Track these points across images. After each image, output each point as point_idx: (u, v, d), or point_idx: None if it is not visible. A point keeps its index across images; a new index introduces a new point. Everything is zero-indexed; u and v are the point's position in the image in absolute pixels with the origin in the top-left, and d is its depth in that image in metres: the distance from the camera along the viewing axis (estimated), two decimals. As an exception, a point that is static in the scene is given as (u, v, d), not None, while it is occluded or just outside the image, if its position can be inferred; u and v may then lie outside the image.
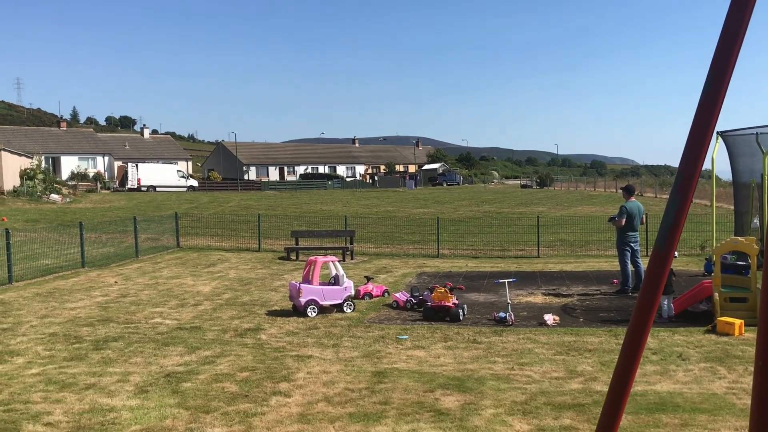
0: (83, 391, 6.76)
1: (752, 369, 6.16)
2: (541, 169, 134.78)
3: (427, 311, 10.34)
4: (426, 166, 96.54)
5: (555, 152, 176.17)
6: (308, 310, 10.59)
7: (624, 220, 12.11)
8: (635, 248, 12.40)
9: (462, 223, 27.91)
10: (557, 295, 12.27)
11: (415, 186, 73.68)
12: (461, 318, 10.17)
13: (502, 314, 10.02)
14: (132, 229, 19.68)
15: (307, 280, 11.00)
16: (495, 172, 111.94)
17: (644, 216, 12.74)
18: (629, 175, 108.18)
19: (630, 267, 12.30)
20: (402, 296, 11.41)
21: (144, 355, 8.22)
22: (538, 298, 12.01)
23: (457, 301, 10.54)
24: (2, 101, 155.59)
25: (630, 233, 12.27)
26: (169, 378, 7.20)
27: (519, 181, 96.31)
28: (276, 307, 11.39)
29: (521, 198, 50.84)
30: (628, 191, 12.56)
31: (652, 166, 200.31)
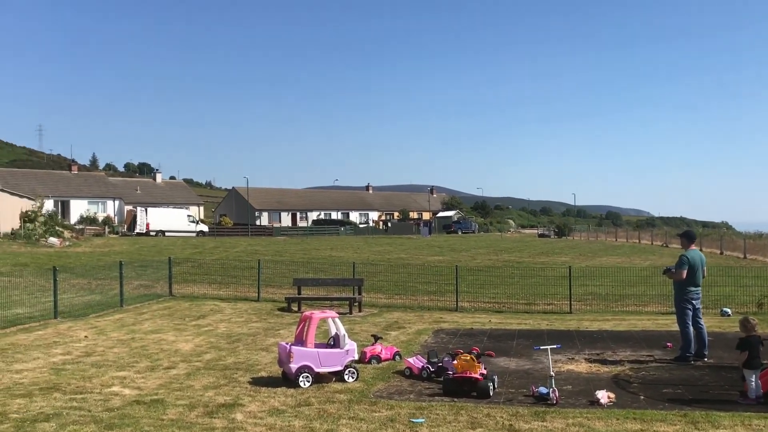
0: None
1: None
2: (556, 218, 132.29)
3: (449, 384, 8.27)
4: (441, 214, 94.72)
5: (572, 203, 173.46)
6: (300, 379, 8.56)
7: (685, 272, 10.06)
8: (697, 306, 10.32)
9: (481, 272, 25.79)
10: (603, 362, 10.16)
11: (430, 233, 71.57)
12: (491, 393, 8.10)
13: (543, 389, 7.95)
14: (125, 275, 17.81)
15: (300, 340, 9.00)
16: (511, 221, 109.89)
17: (705, 268, 10.64)
18: (645, 226, 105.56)
19: (691, 329, 10.21)
20: (417, 362, 9.37)
21: (75, 445, 6.22)
22: (581, 366, 9.91)
23: (485, 371, 8.48)
24: (23, 147, 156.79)
25: (691, 288, 10.21)
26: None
27: (536, 230, 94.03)
28: (263, 373, 9.38)
29: (541, 247, 48.67)
30: (689, 238, 10.52)
31: (666, 218, 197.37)
